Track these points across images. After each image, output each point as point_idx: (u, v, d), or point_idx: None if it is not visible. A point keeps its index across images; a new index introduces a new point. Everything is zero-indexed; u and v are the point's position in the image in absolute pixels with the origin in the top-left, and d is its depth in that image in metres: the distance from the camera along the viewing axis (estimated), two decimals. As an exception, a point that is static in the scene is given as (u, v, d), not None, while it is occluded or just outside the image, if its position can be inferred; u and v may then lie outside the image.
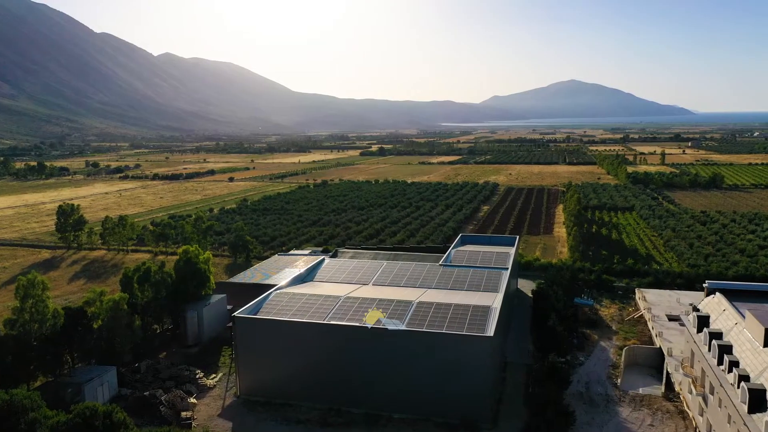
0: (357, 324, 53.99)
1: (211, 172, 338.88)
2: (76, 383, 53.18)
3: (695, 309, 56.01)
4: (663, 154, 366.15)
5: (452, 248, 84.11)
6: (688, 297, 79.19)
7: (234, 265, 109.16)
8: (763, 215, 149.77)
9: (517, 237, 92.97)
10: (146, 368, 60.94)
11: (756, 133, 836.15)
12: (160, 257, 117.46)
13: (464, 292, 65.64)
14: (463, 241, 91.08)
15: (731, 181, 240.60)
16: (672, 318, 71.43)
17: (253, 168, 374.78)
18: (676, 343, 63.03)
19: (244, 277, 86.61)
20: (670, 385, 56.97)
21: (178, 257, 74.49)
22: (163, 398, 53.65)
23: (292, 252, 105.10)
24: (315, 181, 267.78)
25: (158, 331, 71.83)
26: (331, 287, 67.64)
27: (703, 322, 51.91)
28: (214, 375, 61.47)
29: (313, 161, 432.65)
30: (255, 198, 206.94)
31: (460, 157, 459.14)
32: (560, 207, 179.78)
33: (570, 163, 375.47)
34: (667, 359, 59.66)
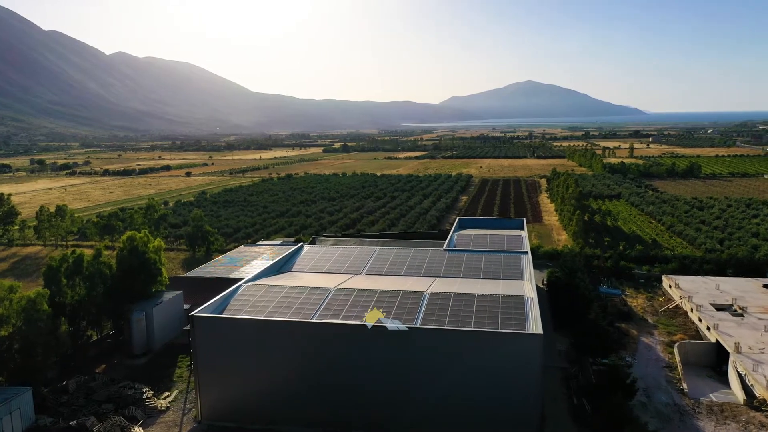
0: (359, 322, 40.83)
1: (167, 168, 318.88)
2: (-29, 412, 38.56)
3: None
4: (631, 147, 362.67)
5: (453, 232, 71.47)
6: (728, 284, 68.56)
7: (192, 260, 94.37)
8: (758, 200, 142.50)
9: (524, 220, 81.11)
10: (76, 387, 46.36)
11: (710, 130, 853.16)
12: (106, 253, 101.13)
13: (482, 280, 53.09)
14: (463, 225, 78.53)
15: (707, 171, 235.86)
16: (720, 307, 60.48)
17: (212, 164, 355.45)
18: (739, 336, 51.91)
19: (205, 270, 72.31)
20: (747, 389, 45.62)
21: (120, 246, 59.82)
22: (95, 429, 39.46)
23: (261, 242, 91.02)
24: (279, 175, 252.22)
25: (94, 338, 56.99)
26: (316, 278, 54.25)
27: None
28: (167, 393, 47.27)
29: (275, 157, 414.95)
30: (215, 191, 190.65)
31: (425, 152, 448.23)
32: (543, 196, 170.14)
33: (539, 157, 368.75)
34: (734, 357, 48.39)
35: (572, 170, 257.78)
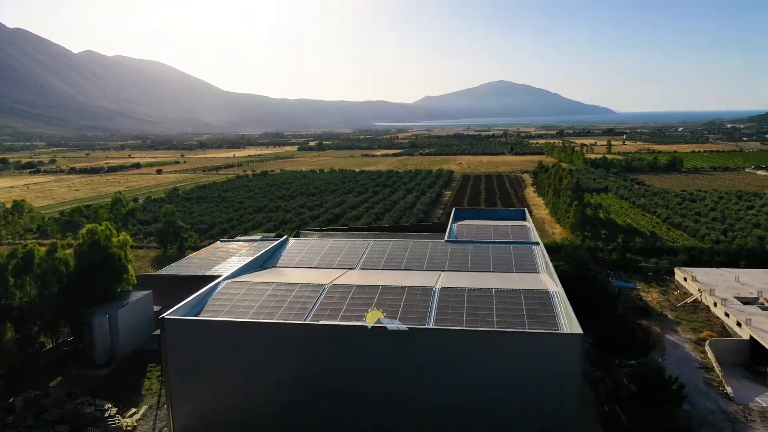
0: (361, 323, 34.51)
1: (137, 165, 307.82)
2: None
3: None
4: (609, 144, 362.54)
5: (451, 223, 65.36)
6: (747, 275, 63.79)
7: (163, 258, 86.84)
8: (748, 192, 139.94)
9: (525, 210, 75.51)
10: (24, 405, 39.15)
11: (680, 129, 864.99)
12: (66, 251, 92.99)
13: (493, 274, 47.13)
14: (459, 216, 72.37)
15: (688, 165, 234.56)
16: (746, 301, 55.54)
17: (184, 162, 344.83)
18: (778, 332, 46.93)
19: (179, 267, 65.20)
20: (798, 392, 40.52)
21: (80, 241, 52.49)
22: (44, 457, 32.52)
23: (239, 238, 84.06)
24: (254, 172, 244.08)
25: (49, 346, 49.60)
26: (305, 273, 47.67)
27: None
28: (134, 410, 40.31)
29: (249, 155, 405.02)
30: (187, 188, 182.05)
31: (402, 150, 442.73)
32: (530, 190, 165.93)
33: (517, 154, 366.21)
34: (778, 355, 43.39)
35: (553, 166, 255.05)
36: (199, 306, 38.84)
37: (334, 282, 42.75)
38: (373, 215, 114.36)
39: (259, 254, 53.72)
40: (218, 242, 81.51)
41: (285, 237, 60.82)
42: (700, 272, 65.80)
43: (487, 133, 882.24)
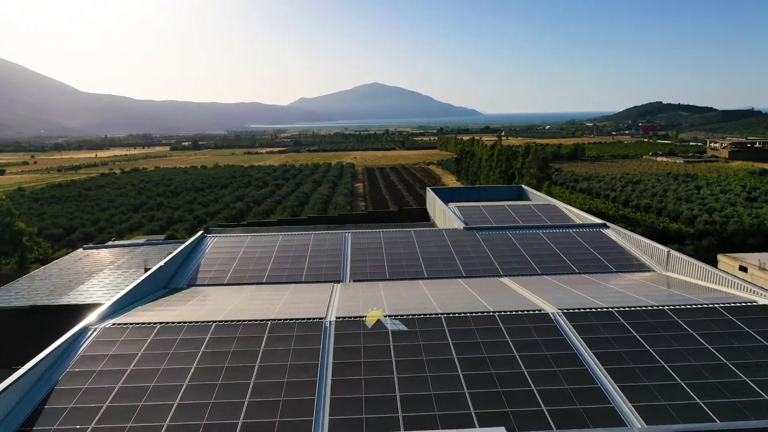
0: None
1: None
2: None
3: None
4: (500, 137, 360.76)
5: (447, 206, 44.77)
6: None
7: (-4, 277, 58.72)
8: (681, 174, 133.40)
9: (522, 186, 56.88)
10: None
11: (547, 126, 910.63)
12: None
13: (590, 276, 27.61)
14: (445, 198, 51.52)
15: (590, 154, 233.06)
16: None
17: (35, 163, 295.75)
18: None
19: (17, 292, 39.30)
20: None
21: None
22: None
23: (111, 243, 58.22)
24: (123, 170, 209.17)
25: None
26: (250, 299, 24.82)
27: None
28: None
29: (114, 155, 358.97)
30: (37, 188, 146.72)
31: (287, 147, 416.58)
32: (451, 178, 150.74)
33: (410, 148, 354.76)
34: None
35: (455, 157, 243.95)
36: (39, 392, 15.50)
37: (337, 316, 20.70)
38: (289, 209, 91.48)
39: (160, 265, 29.98)
40: (80, 250, 55.08)
41: (201, 234, 37.19)
42: (761, 258, 50.78)
43: (366, 132, 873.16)
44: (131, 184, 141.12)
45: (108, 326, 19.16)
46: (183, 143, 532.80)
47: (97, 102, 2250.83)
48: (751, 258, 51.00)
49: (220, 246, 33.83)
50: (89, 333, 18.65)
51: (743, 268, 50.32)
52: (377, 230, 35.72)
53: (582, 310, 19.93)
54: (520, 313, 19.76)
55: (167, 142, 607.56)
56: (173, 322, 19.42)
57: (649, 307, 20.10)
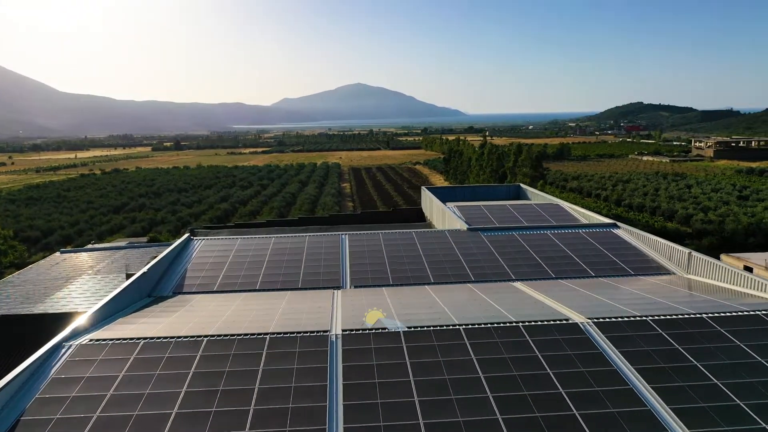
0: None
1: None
2: None
3: None
4: (485, 137, 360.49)
5: (446, 206, 42.92)
6: (828, 258, 48.45)
7: (-33, 283, 55.78)
8: (669, 173, 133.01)
9: (520, 185, 55.22)
10: None
11: (530, 127, 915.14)
12: None
13: (606, 280, 25.90)
14: (442, 197, 49.76)
15: (576, 154, 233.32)
16: None
17: (12, 164, 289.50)
18: None
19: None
20: None
21: None
22: None
23: (91, 246, 55.51)
24: (103, 170, 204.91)
25: None
26: (246, 310, 22.76)
27: None
28: None
29: (95, 156, 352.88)
30: (14, 188, 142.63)
31: (270, 147, 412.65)
32: (439, 177, 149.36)
33: (395, 148, 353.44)
34: None
35: (440, 157, 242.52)
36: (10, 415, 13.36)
37: (343, 328, 18.70)
38: (276, 210, 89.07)
39: (143, 270, 27.67)
40: (57, 254, 52.33)
41: (187, 237, 34.94)
42: (764, 259, 49.62)
43: (350, 133, 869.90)
44: (112, 185, 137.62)
45: (84, 342, 16.94)
46: (165, 144, 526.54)
47: (76, 102, 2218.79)
48: (756, 258, 49.77)
49: (207, 249, 31.54)
50: (63, 351, 16.43)
51: (748, 269, 48.94)
52: (376, 231, 33.72)
53: (614, 320, 18.10)
54: (546, 323, 17.87)
55: (149, 143, 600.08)
56: (159, 337, 17.25)
57: (686, 315, 18.32)
